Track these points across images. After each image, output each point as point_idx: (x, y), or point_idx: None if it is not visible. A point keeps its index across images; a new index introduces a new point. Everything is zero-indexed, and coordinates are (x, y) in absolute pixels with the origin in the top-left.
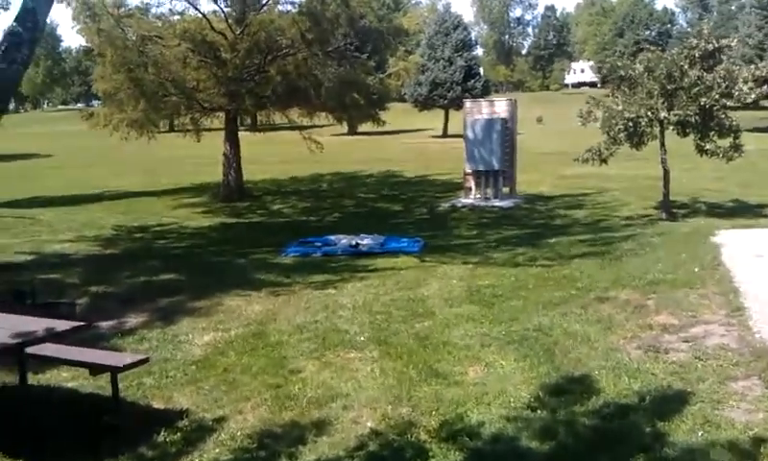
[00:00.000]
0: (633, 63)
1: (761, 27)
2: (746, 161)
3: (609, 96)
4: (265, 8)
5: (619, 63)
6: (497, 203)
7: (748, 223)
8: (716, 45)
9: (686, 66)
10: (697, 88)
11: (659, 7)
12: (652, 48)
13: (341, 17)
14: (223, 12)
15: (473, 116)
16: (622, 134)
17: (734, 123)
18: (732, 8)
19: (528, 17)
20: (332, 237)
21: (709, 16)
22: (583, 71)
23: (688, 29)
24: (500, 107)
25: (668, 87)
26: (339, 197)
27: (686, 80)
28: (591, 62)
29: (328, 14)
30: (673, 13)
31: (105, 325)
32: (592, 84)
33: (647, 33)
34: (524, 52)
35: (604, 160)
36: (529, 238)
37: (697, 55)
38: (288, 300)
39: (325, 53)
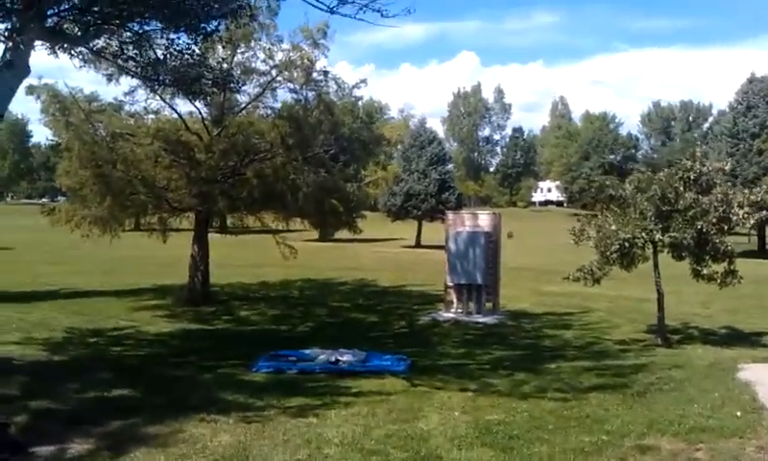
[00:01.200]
0: (621, 183)
1: (732, 154)
2: (727, 287)
3: (597, 216)
4: (244, 111)
5: (608, 182)
6: (481, 318)
7: (759, 355)
8: (710, 168)
9: (681, 188)
10: (693, 211)
11: (623, 132)
12: (642, 169)
13: (323, 124)
14: (200, 112)
15: (456, 228)
16: (615, 255)
17: (729, 248)
18: (695, 135)
19: (496, 137)
20: (308, 351)
21: (673, 144)
22: (550, 190)
23: (654, 155)
24: (484, 220)
25: (663, 209)
26: (311, 305)
27: (682, 202)
28: (558, 182)
29: (311, 120)
30: (637, 139)
31: (43, 451)
32: (559, 203)
33: (612, 157)
34: (492, 169)
35: (597, 280)
36: (524, 361)
37: (692, 177)
38: (262, 429)
39: (305, 158)
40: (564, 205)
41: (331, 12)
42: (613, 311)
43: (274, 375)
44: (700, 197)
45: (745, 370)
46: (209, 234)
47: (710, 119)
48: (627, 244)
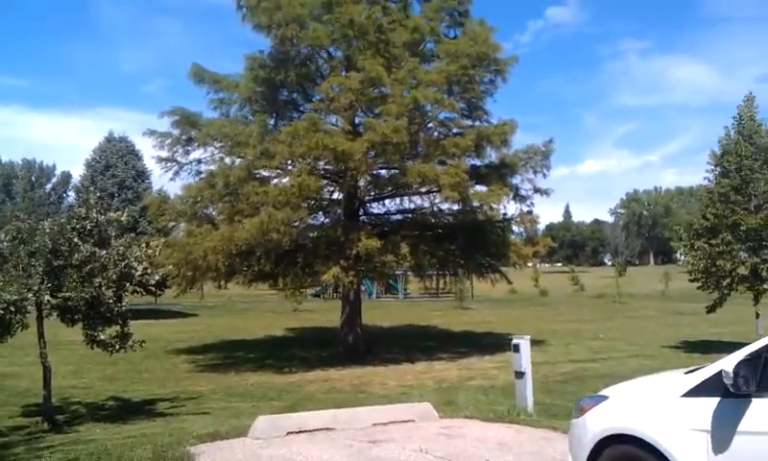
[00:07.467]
0: None
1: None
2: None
3: None
4: None
5: None
6: None
7: (160, 430)
8: (107, 218)
9: (76, 240)
10: (90, 266)
11: None
12: (23, 217)
13: None
14: None
15: None
16: None
17: (123, 309)
18: (39, 194)
19: None
20: None
21: (15, 202)
22: None
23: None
24: None
25: (55, 264)
26: None
27: (77, 256)
28: None
29: None
30: None
31: None
32: None
33: None
34: None
35: None
36: None
37: (88, 227)
38: None
39: None
40: None
41: None
42: None
43: None
44: (97, 250)
45: (202, 453)
46: None
47: (54, 179)
48: (12, 309)
